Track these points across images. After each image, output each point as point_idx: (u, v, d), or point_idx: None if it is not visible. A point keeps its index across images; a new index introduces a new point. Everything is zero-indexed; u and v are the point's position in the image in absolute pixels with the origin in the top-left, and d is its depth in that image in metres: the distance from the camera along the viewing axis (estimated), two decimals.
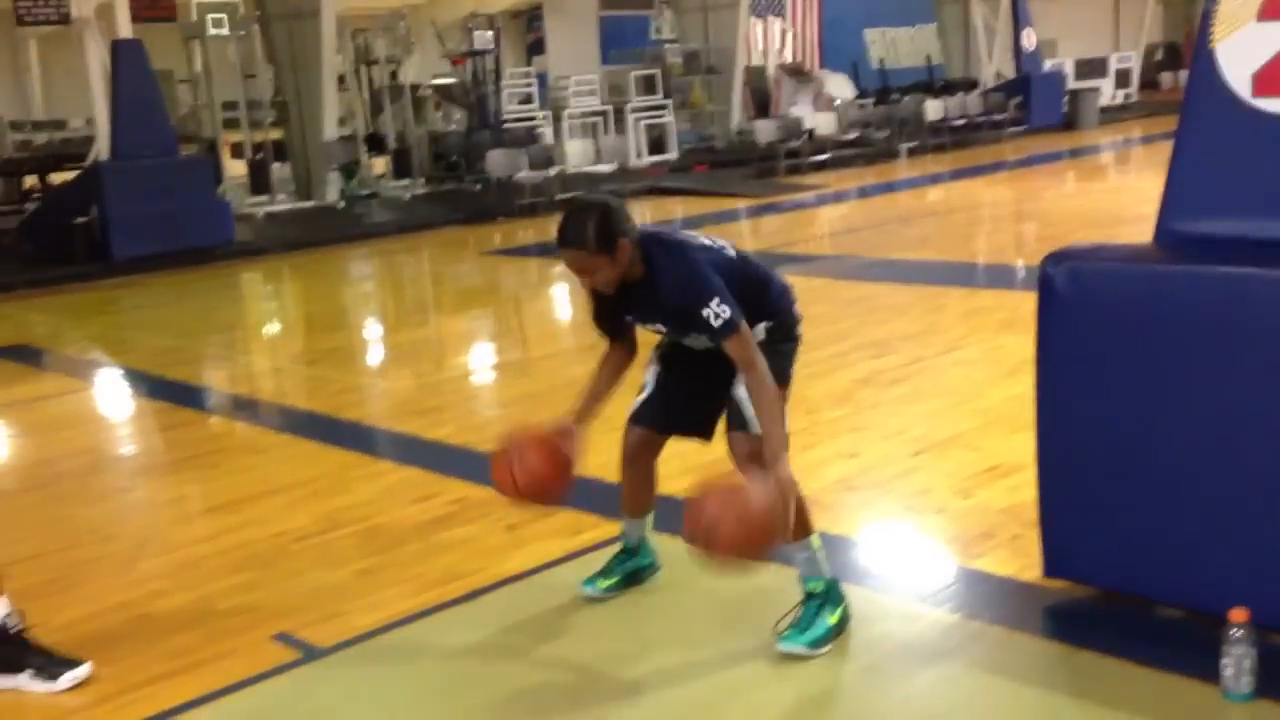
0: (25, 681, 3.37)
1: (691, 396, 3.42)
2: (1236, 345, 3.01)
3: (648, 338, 3.49)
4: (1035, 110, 20.93)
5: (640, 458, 3.57)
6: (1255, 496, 3.03)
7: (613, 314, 3.41)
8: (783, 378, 3.32)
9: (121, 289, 11.20)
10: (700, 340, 3.29)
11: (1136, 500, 3.26)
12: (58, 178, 14.91)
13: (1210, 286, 3.07)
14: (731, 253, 3.33)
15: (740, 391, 3.23)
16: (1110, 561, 3.36)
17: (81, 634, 3.71)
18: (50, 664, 3.40)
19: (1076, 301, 3.29)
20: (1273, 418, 2.98)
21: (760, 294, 3.33)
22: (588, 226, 3.10)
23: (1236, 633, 2.79)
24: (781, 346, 3.36)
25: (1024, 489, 4.03)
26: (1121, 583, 3.37)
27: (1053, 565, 3.50)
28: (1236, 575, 3.07)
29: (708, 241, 3.34)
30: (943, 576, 3.75)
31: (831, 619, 3.29)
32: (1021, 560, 3.71)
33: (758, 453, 3.18)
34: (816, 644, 3.23)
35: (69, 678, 3.37)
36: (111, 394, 7.50)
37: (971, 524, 4.11)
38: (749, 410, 3.20)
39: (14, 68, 27.13)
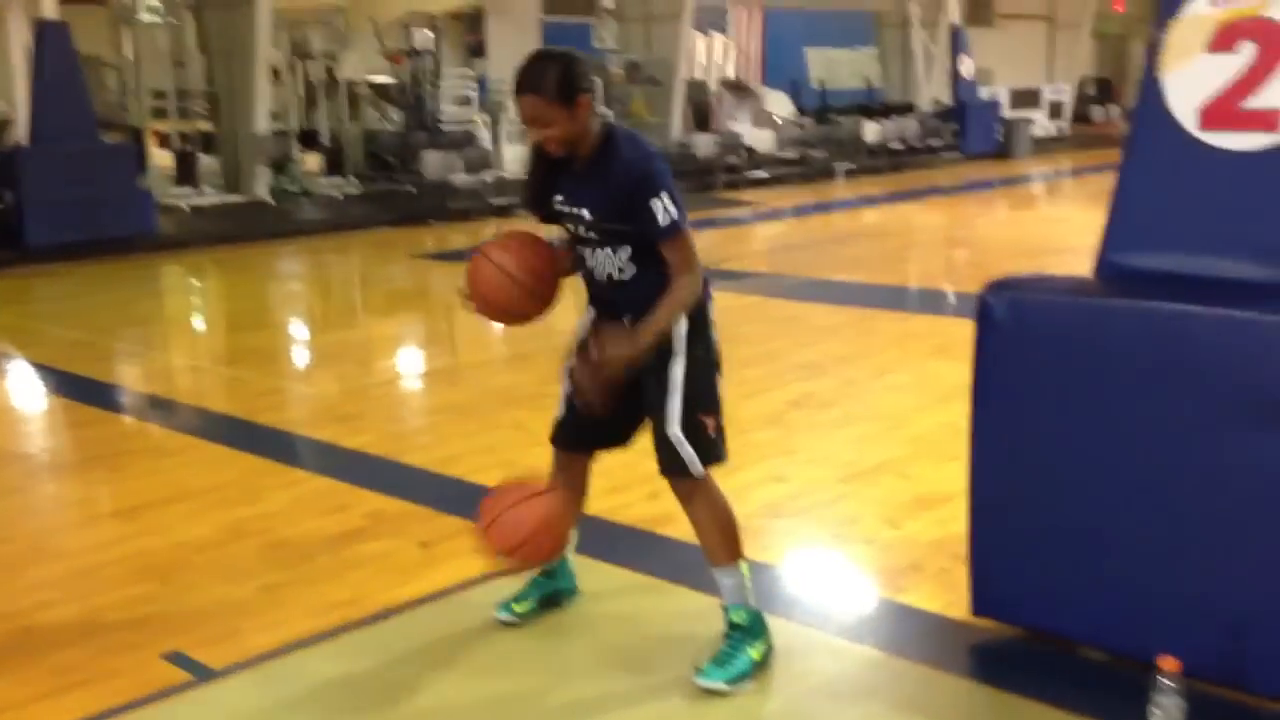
0: None
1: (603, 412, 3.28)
2: (1175, 385, 2.95)
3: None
4: (970, 137, 21.16)
5: (565, 470, 3.43)
6: (1186, 541, 2.97)
7: (546, 193, 3.15)
8: (714, 401, 3.14)
9: (35, 278, 10.80)
10: (618, 258, 3.03)
11: (1066, 539, 3.18)
12: None
13: (1152, 323, 3.00)
14: None
15: (675, 431, 3.06)
16: (1038, 601, 3.28)
17: None
18: None
19: (1015, 332, 3.21)
20: (1208, 461, 2.92)
21: None
22: (549, 72, 2.92)
23: (1166, 682, 2.71)
24: (702, 366, 3.10)
25: (953, 521, 3.95)
26: (1049, 623, 3.30)
27: (980, 602, 3.41)
28: (1166, 621, 3.00)
29: None
30: (868, 611, 3.66)
31: (754, 653, 3.16)
32: (949, 595, 3.62)
33: (694, 491, 3.10)
34: (736, 680, 3.11)
35: None
36: (14, 389, 7.17)
37: (899, 556, 4.02)
38: (689, 453, 3.06)
39: None
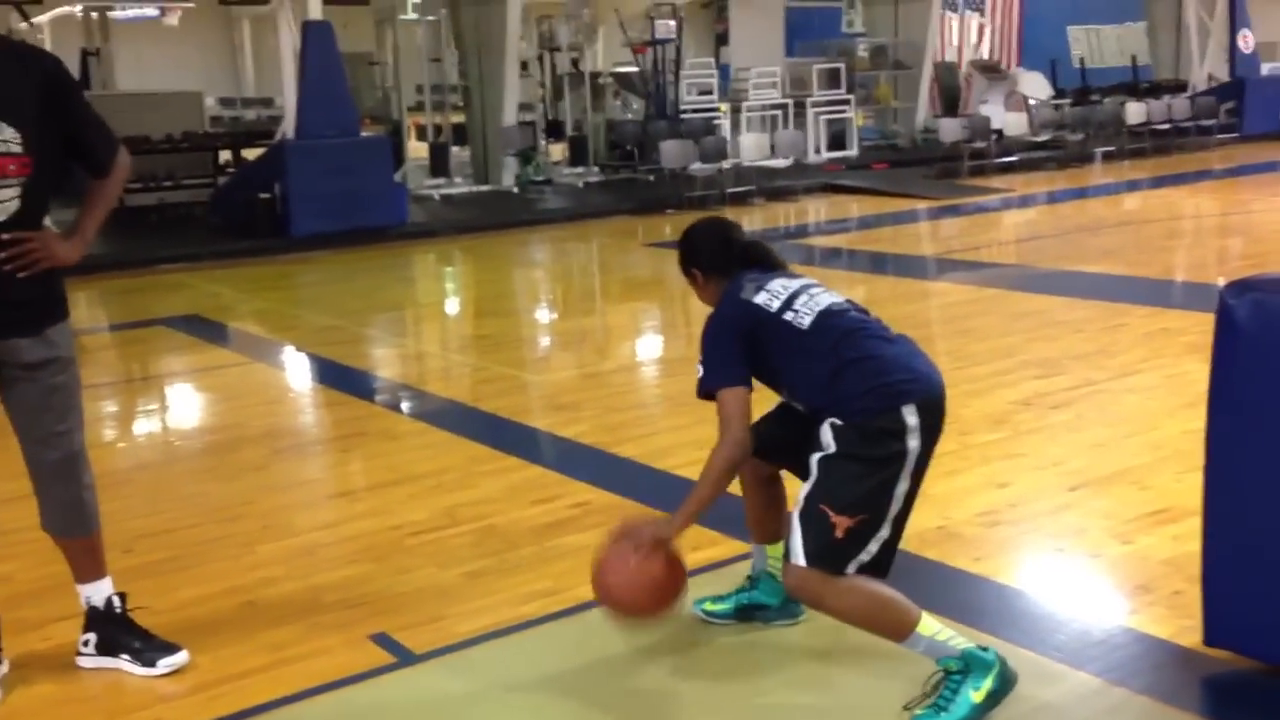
0: (123, 664, 3.37)
1: (791, 434, 3.10)
2: None
3: None
4: (1249, 116, 19.57)
5: (757, 475, 3.33)
6: None
7: None
8: (843, 502, 2.80)
9: (296, 265, 11.51)
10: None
11: None
12: (251, 154, 15.50)
13: None
14: (795, 313, 2.97)
15: (794, 516, 2.85)
16: None
17: (189, 617, 3.70)
18: (148, 649, 3.38)
19: (1259, 338, 2.89)
20: None
21: (831, 371, 2.90)
22: (680, 249, 3.32)
23: None
24: (849, 462, 2.83)
25: (1192, 538, 3.60)
26: None
27: (1215, 632, 3.11)
28: None
29: (767, 292, 3.03)
30: (1089, 632, 3.38)
31: (976, 696, 2.84)
32: (1181, 621, 3.32)
33: (805, 584, 2.85)
34: None
35: (165, 664, 3.35)
36: (266, 371, 7.65)
37: (1128, 574, 3.72)
38: (794, 538, 2.83)
39: (230, 47, 28.58)
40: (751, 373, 3.01)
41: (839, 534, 2.80)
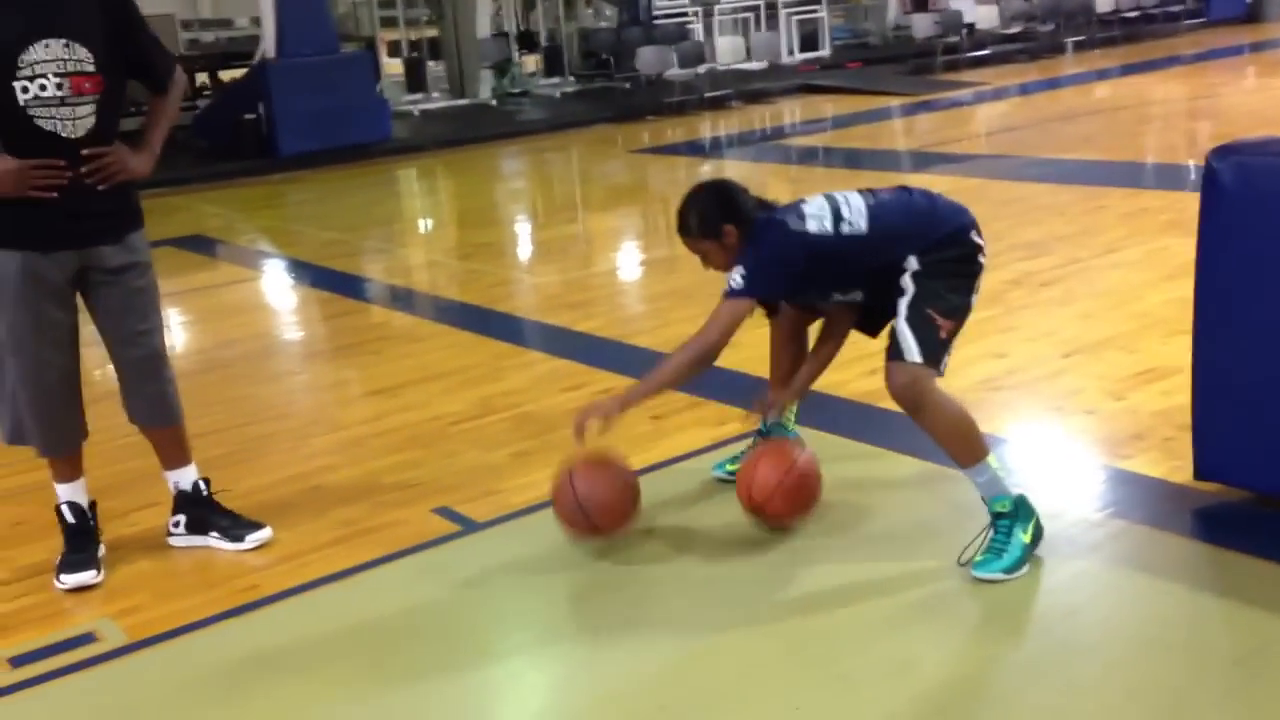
0: (212, 541, 3.67)
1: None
2: None
3: None
4: (1215, 2, 19.75)
5: (785, 333, 3.67)
6: None
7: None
8: (945, 307, 3.12)
9: (286, 184, 11.64)
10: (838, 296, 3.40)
11: None
12: (227, 75, 15.46)
13: None
14: (850, 224, 3.17)
15: (903, 325, 3.12)
16: (1265, 465, 3.30)
17: (260, 502, 3.99)
18: (236, 526, 3.68)
19: (1242, 198, 3.19)
20: None
21: (913, 233, 3.19)
22: (690, 215, 3.31)
23: None
24: (942, 277, 3.16)
25: (1179, 392, 3.96)
26: (1276, 487, 3.31)
27: (1204, 468, 3.45)
28: None
29: (814, 218, 3.19)
30: (1090, 476, 3.74)
31: (1025, 537, 3.14)
32: (1172, 462, 3.67)
33: (916, 381, 3.09)
34: (1014, 568, 3.07)
35: (253, 539, 3.65)
36: (281, 283, 7.89)
37: (1122, 426, 4.06)
38: (908, 340, 3.10)
39: None
40: (794, 296, 3.39)
41: (943, 335, 3.13)
